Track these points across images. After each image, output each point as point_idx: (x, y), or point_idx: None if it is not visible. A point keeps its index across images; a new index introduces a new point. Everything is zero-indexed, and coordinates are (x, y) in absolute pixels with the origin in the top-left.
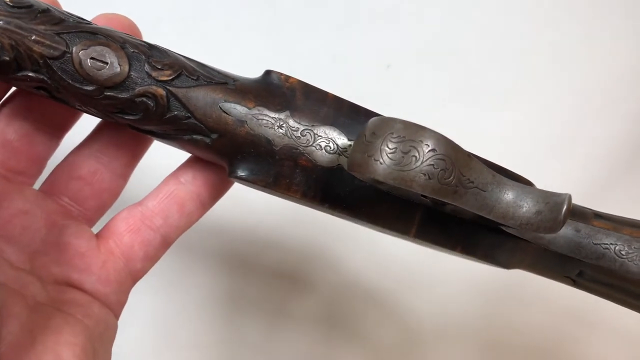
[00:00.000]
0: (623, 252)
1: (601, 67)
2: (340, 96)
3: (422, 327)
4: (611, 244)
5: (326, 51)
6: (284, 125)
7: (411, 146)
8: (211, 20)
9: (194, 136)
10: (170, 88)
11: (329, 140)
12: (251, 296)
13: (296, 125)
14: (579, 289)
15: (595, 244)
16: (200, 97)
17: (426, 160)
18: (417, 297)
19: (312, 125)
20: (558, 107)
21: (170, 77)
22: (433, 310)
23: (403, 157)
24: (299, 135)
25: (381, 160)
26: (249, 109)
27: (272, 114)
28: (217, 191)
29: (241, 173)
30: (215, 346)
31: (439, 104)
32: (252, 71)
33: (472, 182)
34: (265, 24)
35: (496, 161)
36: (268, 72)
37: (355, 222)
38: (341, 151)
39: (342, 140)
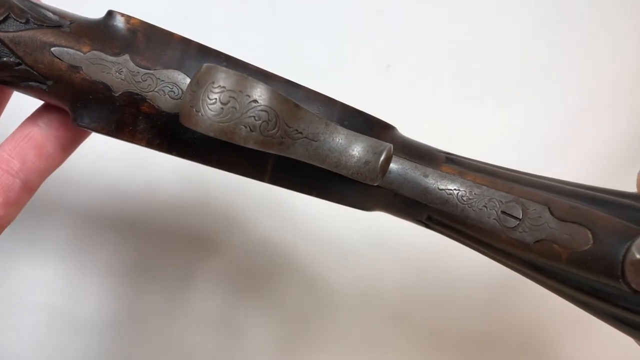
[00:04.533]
0: (464, 198)
1: (601, 66)
2: (189, 38)
3: (333, 292)
4: (455, 189)
5: (326, 51)
6: (122, 69)
7: (231, 97)
8: (211, 21)
9: (30, 83)
10: None
11: (173, 85)
12: (154, 261)
13: (136, 69)
14: (432, 230)
15: (440, 190)
16: (30, 41)
17: (247, 111)
18: (330, 262)
19: (155, 69)
20: (558, 107)
21: None
22: (346, 276)
23: (222, 108)
24: (140, 80)
25: (202, 112)
26: (84, 53)
27: (110, 58)
28: (78, 133)
29: (82, 121)
30: (121, 315)
31: (438, 104)
32: None
33: (301, 132)
34: (265, 24)
35: (496, 160)
36: (110, 13)
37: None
38: None
39: (186, 85)
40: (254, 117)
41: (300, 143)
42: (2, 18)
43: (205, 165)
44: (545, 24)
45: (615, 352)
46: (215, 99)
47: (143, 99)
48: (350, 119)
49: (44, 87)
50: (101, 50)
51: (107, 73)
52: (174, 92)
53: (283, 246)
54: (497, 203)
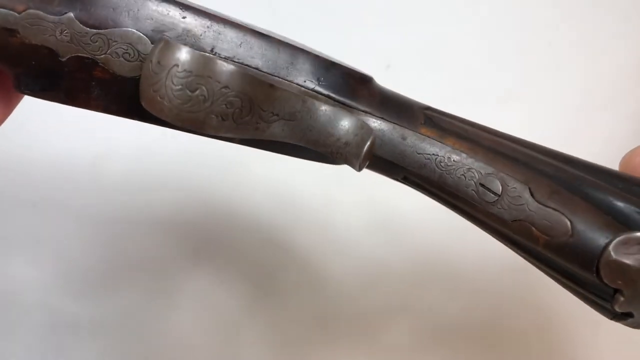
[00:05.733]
0: (442, 164)
1: (601, 66)
2: None
3: (336, 283)
4: (433, 154)
5: (326, 51)
6: (67, 31)
7: (199, 84)
8: None
9: None
10: None
11: (128, 45)
12: (153, 261)
13: (84, 29)
14: (409, 187)
15: (418, 154)
16: None
17: (217, 99)
18: (331, 253)
19: (105, 29)
20: (559, 106)
21: None
22: (350, 268)
23: (190, 97)
24: (89, 41)
25: (167, 100)
26: (18, 13)
27: (51, 18)
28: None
29: (27, 89)
30: (119, 315)
31: (439, 104)
32: None
33: (277, 114)
34: (265, 24)
35: None
36: None
37: None
38: (144, 58)
39: (143, 45)
40: (226, 104)
41: (276, 125)
42: None
43: (169, 129)
44: (545, 24)
45: (629, 347)
46: (181, 85)
47: (95, 63)
48: (325, 73)
49: None
50: (39, 9)
51: (50, 35)
52: (130, 54)
53: (285, 238)
54: (475, 173)
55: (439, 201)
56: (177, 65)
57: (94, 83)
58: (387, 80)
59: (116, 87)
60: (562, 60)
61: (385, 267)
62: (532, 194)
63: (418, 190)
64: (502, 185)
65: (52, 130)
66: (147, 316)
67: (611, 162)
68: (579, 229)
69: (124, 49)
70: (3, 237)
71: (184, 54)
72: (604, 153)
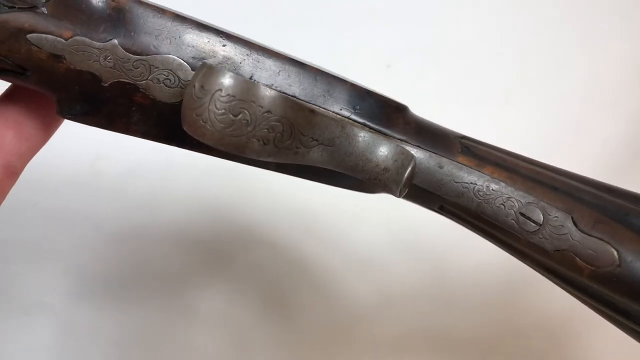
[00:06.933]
0: (480, 194)
1: (601, 66)
2: (183, 14)
3: (349, 300)
4: (471, 183)
5: (326, 51)
6: (110, 57)
7: (242, 108)
8: (210, 21)
9: (5, 73)
10: None
11: (169, 72)
12: (159, 265)
13: (126, 56)
14: (446, 217)
15: (456, 182)
16: (1, 29)
17: (260, 124)
18: (343, 269)
19: (147, 55)
20: (558, 107)
21: None
22: (362, 284)
23: (233, 121)
24: (131, 67)
25: (210, 124)
26: (65, 40)
27: (96, 44)
28: None
29: (69, 113)
30: (122, 319)
31: (439, 104)
32: None
33: (317, 139)
34: (264, 24)
35: None
36: None
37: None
38: (184, 84)
39: (184, 71)
40: (268, 129)
41: (315, 150)
42: None
43: (207, 155)
44: (545, 24)
45: (633, 354)
46: (225, 110)
47: (136, 89)
48: (360, 102)
49: (23, 77)
50: (85, 36)
51: (94, 61)
52: (170, 80)
53: (300, 255)
54: (515, 202)
55: (475, 231)
56: (221, 90)
57: (134, 108)
58: (387, 80)
59: (156, 112)
60: (562, 60)
61: (403, 287)
62: (575, 223)
63: (455, 220)
64: (543, 214)
65: None
66: (147, 316)
67: (611, 162)
68: (626, 259)
69: (165, 75)
70: (3, 237)
71: (227, 79)
72: (604, 153)
